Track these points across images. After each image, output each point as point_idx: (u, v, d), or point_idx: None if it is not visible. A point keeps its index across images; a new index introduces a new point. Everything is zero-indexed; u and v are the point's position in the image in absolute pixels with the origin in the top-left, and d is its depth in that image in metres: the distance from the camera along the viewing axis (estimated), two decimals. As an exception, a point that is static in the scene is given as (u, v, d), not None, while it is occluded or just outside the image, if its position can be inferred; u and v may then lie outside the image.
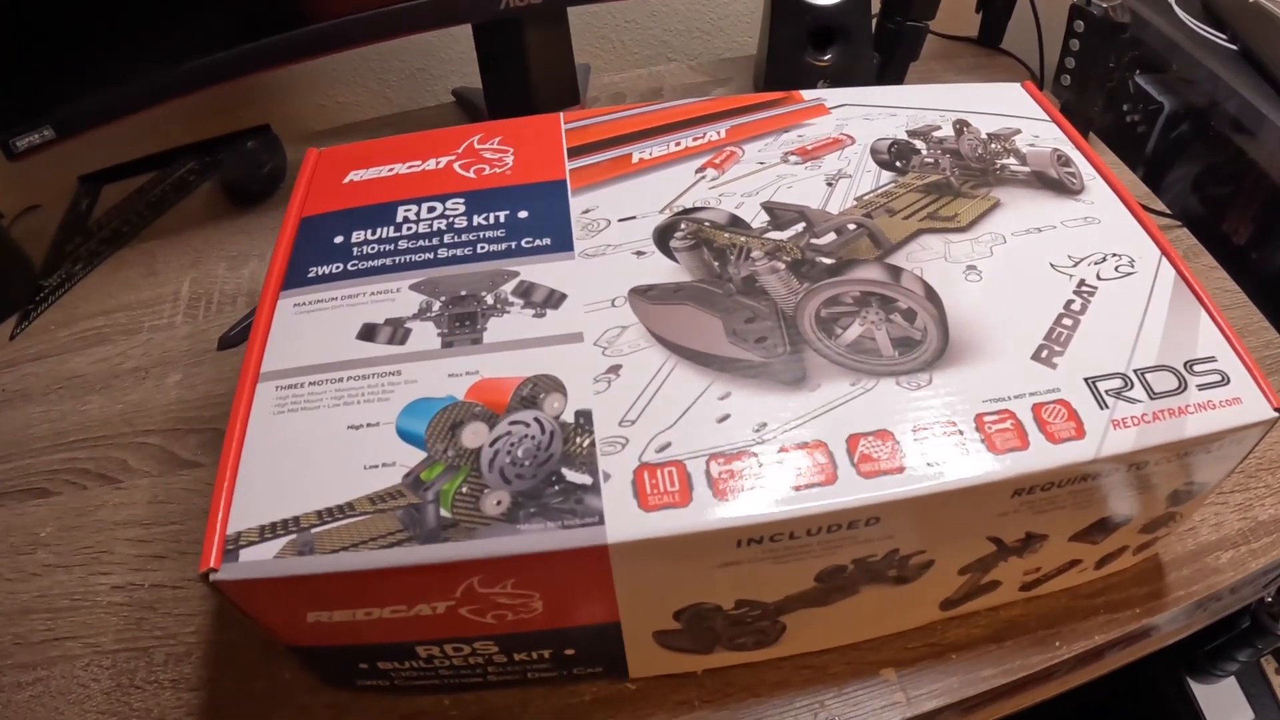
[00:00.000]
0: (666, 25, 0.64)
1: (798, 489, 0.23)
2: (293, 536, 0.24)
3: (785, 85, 0.40)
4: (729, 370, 0.26)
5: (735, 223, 0.31)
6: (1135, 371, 0.28)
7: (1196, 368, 0.29)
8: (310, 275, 0.31)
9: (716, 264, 0.29)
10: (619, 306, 0.28)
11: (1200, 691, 0.52)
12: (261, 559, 0.23)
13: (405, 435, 0.26)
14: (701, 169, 0.33)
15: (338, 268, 0.31)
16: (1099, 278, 0.31)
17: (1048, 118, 0.38)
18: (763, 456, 0.24)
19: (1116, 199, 0.35)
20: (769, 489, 0.23)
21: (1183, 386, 0.28)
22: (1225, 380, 0.28)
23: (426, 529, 0.23)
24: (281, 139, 0.53)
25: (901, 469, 0.24)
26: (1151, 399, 0.27)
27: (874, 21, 0.54)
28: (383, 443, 0.25)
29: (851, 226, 0.31)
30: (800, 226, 0.31)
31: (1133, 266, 0.32)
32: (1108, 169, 0.36)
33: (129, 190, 0.52)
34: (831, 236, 0.31)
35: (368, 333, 0.29)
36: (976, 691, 0.31)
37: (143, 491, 0.38)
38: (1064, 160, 0.36)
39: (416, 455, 0.25)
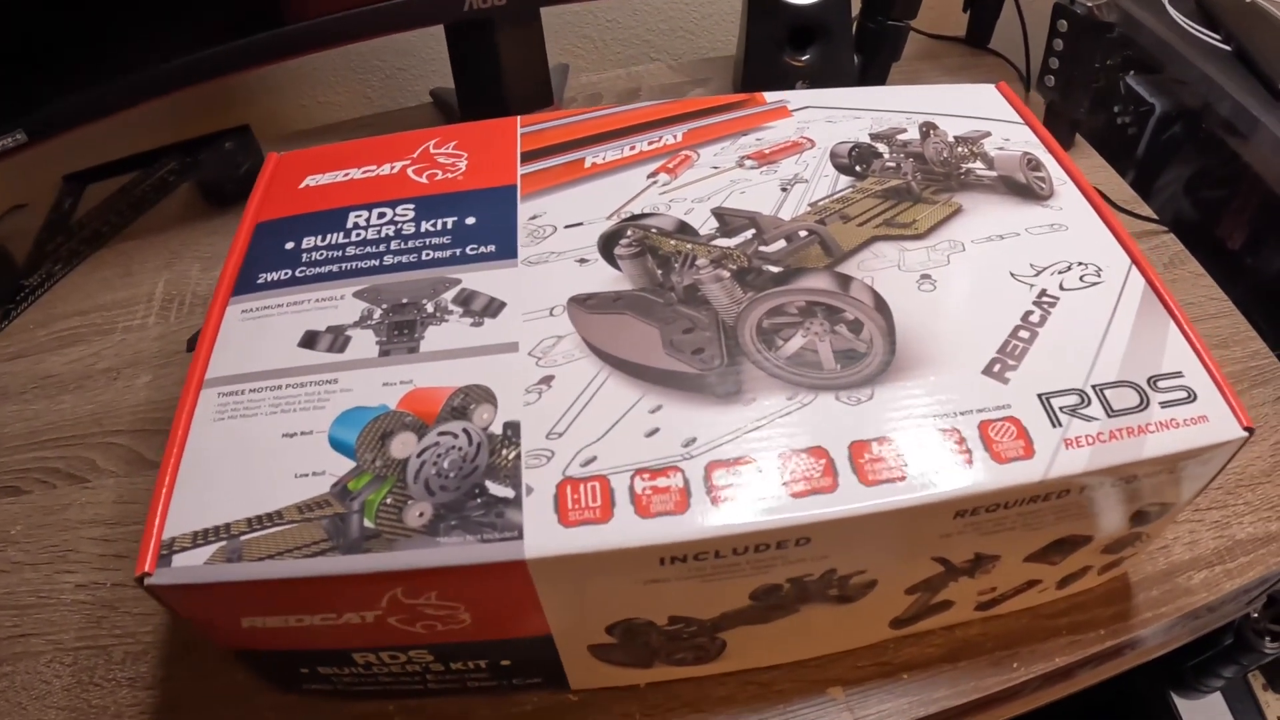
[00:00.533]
0: (649, 24, 0.63)
1: (720, 506, 0.23)
2: (223, 543, 0.24)
3: (763, 86, 0.40)
4: (663, 382, 0.26)
5: (683, 229, 0.31)
6: (1094, 387, 0.27)
7: (1161, 384, 0.28)
8: (260, 281, 0.31)
9: (660, 272, 0.29)
10: (557, 315, 0.28)
11: (1185, 707, 0.51)
12: (192, 565, 0.24)
13: (336, 444, 0.26)
14: (654, 174, 0.33)
15: (286, 274, 0.31)
16: (1062, 288, 0.30)
17: (1021, 120, 0.37)
18: (689, 472, 0.23)
19: (1088, 205, 0.34)
20: (694, 506, 0.23)
21: (1144, 404, 0.27)
22: (1191, 397, 0.27)
23: (349, 539, 0.23)
24: (263, 139, 0.53)
25: (834, 488, 0.23)
26: (1110, 417, 0.26)
27: (855, 21, 0.53)
28: (315, 451, 0.25)
29: (802, 233, 0.30)
30: (750, 233, 0.30)
31: (1099, 276, 0.31)
32: (1080, 173, 0.35)
33: (112, 189, 0.52)
34: (781, 244, 0.30)
35: (309, 340, 0.29)
36: (927, 713, 0.31)
37: (109, 491, 0.39)
38: (1034, 164, 0.35)
39: (347, 464, 0.25)
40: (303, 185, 0.35)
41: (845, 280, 0.29)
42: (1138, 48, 0.55)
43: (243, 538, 0.24)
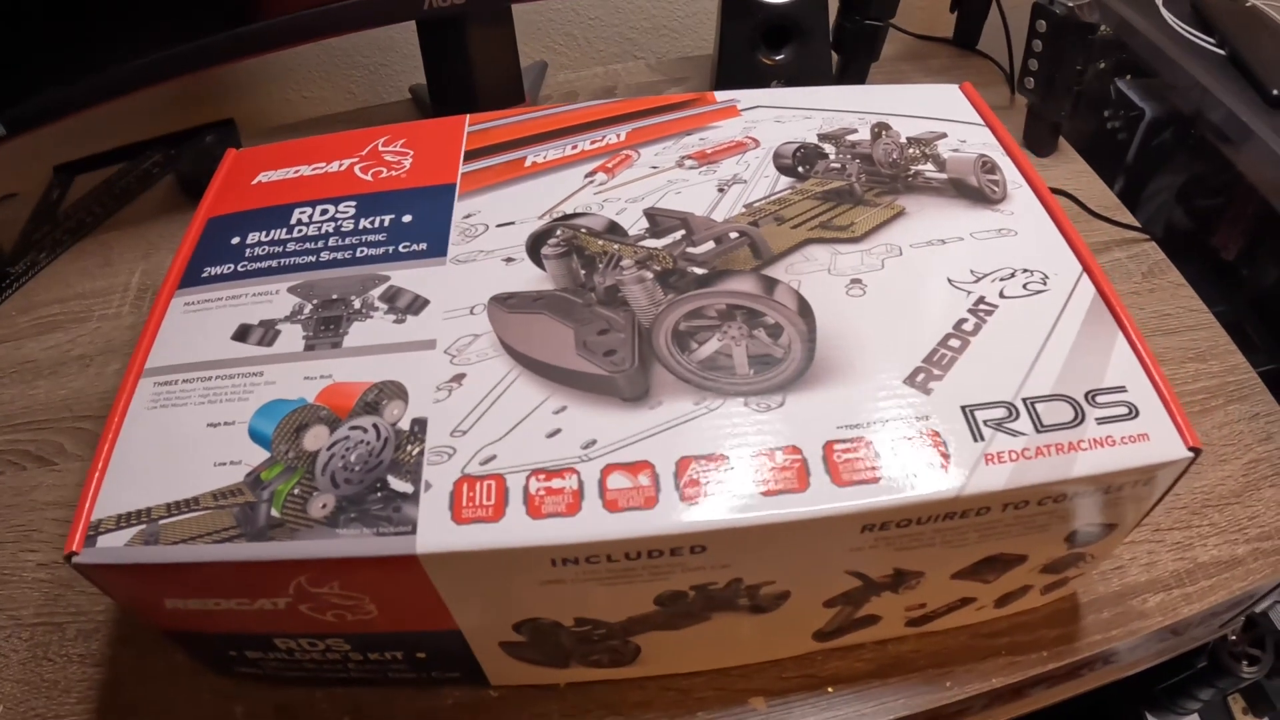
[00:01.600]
0: (631, 23, 0.64)
1: (614, 510, 0.23)
2: (142, 527, 0.25)
3: (738, 85, 0.40)
4: (571, 383, 0.26)
5: (613, 229, 0.31)
6: (1025, 401, 0.27)
7: (1100, 399, 0.27)
8: (204, 275, 0.32)
9: (583, 273, 0.29)
10: (477, 314, 0.28)
11: (1159, 732, 0.50)
12: (114, 546, 0.25)
13: (255, 435, 0.27)
14: (591, 173, 0.33)
15: (229, 268, 0.32)
16: (1002, 295, 0.30)
17: (982, 122, 0.37)
18: (584, 475, 0.24)
19: (1042, 209, 0.33)
20: (585, 509, 0.23)
21: (1079, 419, 0.26)
22: (1133, 414, 0.26)
23: (255, 527, 0.24)
24: (248, 133, 0.55)
25: (730, 496, 0.23)
26: (1039, 432, 0.26)
27: (835, 21, 0.52)
28: (236, 441, 0.26)
29: (733, 235, 0.30)
30: (679, 234, 0.30)
31: (1045, 284, 0.30)
32: (1038, 177, 0.34)
33: (99, 181, 0.54)
34: (710, 245, 0.30)
35: (241, 333, 0.30)
36: (851, 728, 0.31)
37: (74, 475, 0.40)
38: (988, 167, 0.34)
39: (263, 455, 0.26)
40: (255, 181, 0.36)
41: (770, 283, 0.29)
42: (1129, 51, 0.53)
43: (161, 522, 0.25)
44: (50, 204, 0.52)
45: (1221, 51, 0.49)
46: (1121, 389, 0.27)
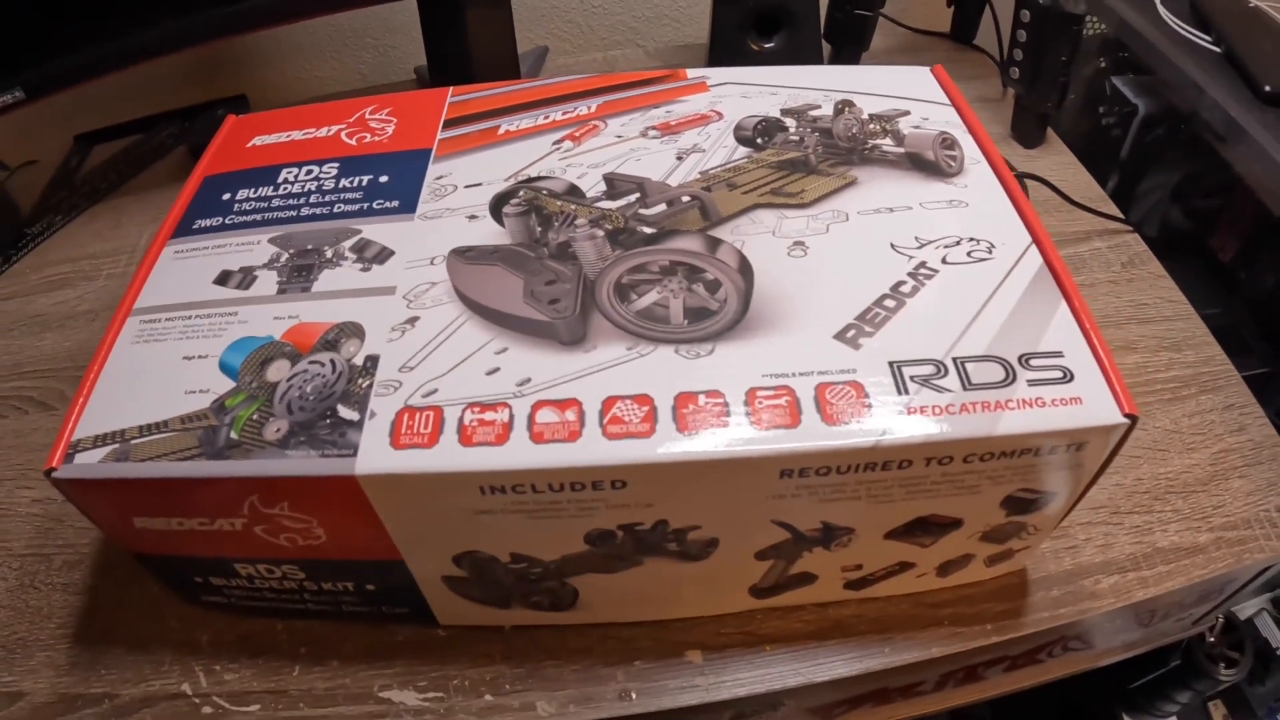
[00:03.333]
0: (633, 10, 0.66)
1: (539, 442, 0.25)
2: (116, 446, 0.28)
3: None
4: (515, 328, 0.28)
5: (572, 192, 0.33)
6: (954, 360, 0.28)
7: (1034, 362, 0.28)
8: (195, 227, 0.35)
9: (540, 230, 0.31)
10: (436, 265, 0.31)
11: (1135, 735, 0.49)
12: (88, 463, 0.27)
13: (225, 368, 0.29)
14: (559, 141, 0.35)
15: (218, 221, 0.35)
16: (944, 261, 0.31)
17: (949, 103, 0.38)
18: (515, 409, 0.26)
19: (997, 183, 0.34)
20: (512, 440, 0.25)
21: (1009, 379, 0.27)
22: (1067, 377, 0.27)
23: (215, 448, 0.27)
24: (258, 108, 0.59)
25: (650, 434, 0.25)
26: (965, 389, 0.27)
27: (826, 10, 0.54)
28: (206, 373, 0.29)
29: (685, 198, 0.32)
30: (634, 197, 0.32)
31: (990, 252, 0.31)
32: (997, 154, 0.35)
33: (116, 150, 0.58)
34: (662, 207, 0.32)
35: (222, 278, 0.32)
36: (784, 686, 0.32)
37: (72, 418, 0.44)
38: (947, 143, 0.35)
39: (230, 385, 0.28)
40: (250, 144, 0.39)
41: (714, 243, 0.31)
42: (1126, 49, 0.54)
43: (133, 442, 0.28)
44: (69, 170, 0.57)
45: (1217, 49, 0.49)
46: (1058, 354, 0.28)
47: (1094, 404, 0.27)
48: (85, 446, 0.28)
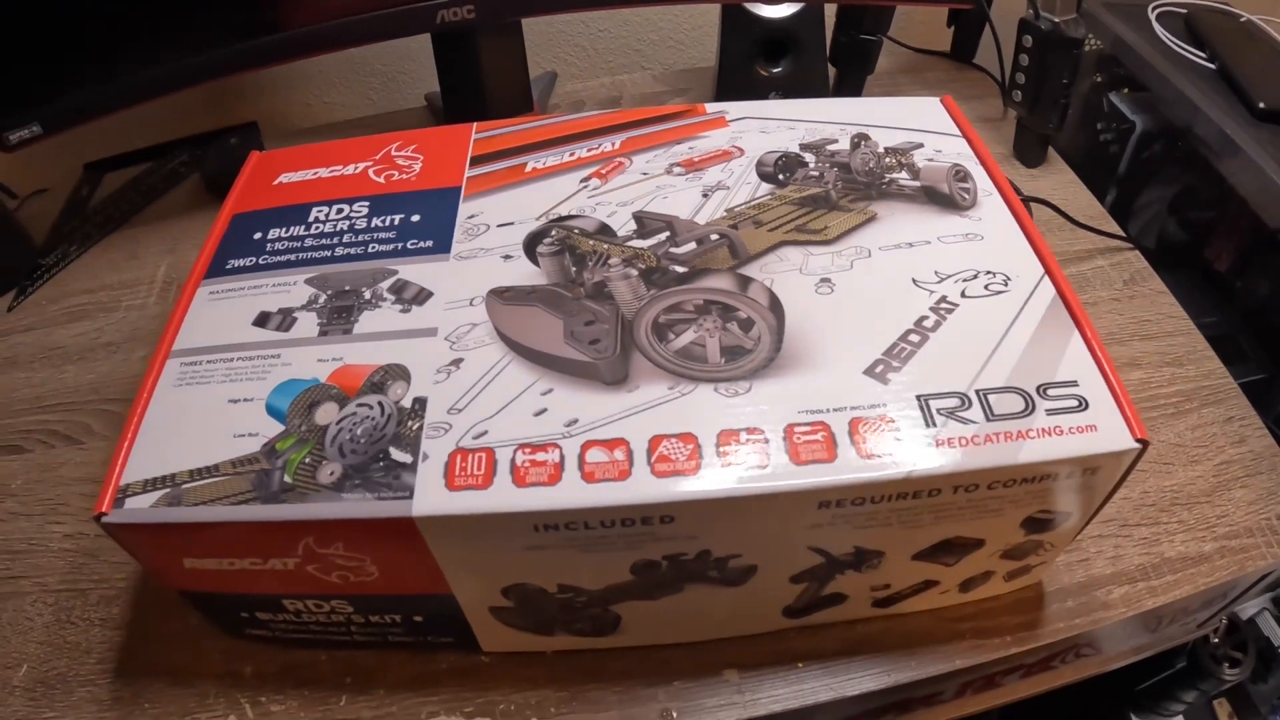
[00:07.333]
0: (639, 35, 0.68)
1: (591, 481, 0.26)
2: (167, 490, 0.29)
3: (737, 96, 0.43)
4: (558, 368, 0.29)
5: (603, 231, 0.34)
6: (978, 391, 0.29)
7: (1051, 391, 0.30)
8: (228, 267, 0.36)
9: (574, 269, 0.33)
10: (476, 305, 0.32)
11: (1143, 735, 0.51)
12: (140, 507, 0.28)
13: (272, 411, 0.30)
14: (586, 179, 0.37)
15: (251, 261, 0.36)
16: (964, 294, 0.32)
17: (960, 133, 0.40)
18: (565, 449, 0.27)
19: (1010, 216, 0.36)
20: (565, 479, 0.26)
21: (1029, 409, 0.29)
22: (1082, 406, 0.29)
23: (269, 491, 0.28)
24: (270, 135, 0.59)
25: (697, 471, 0.27)
26: (989, 420, 0.29)
27: (831, 35, 0.56)
28: (253, 416, 0.30)
29: (714, 237, 0.34)
30: (664, 235, 0.34)
31: (1006, 285, 0.33)
32: (1008, 186, 0.37)
33: (127, 178, 0.59)
34: (692, 246, 0.33)
35: (261, 320, 0.33)
36: (817, 701, 0.33)
37: (100, 453, 0.44)
38: (961, 175, 0.37)
39: (278, 428, 0.29)
40: (276, 182, 0.40)
41: (745, 281, 0.32)
42: (1122, 66, 0.56)
43: (184, 486, 0.29)
44: (80, 199, 0.57)
45: (1211, 66, 0.51)
46: (1073, 383, 0.30)
47: (1108, 431, 0.28)
48: (135, 491, 0.29)
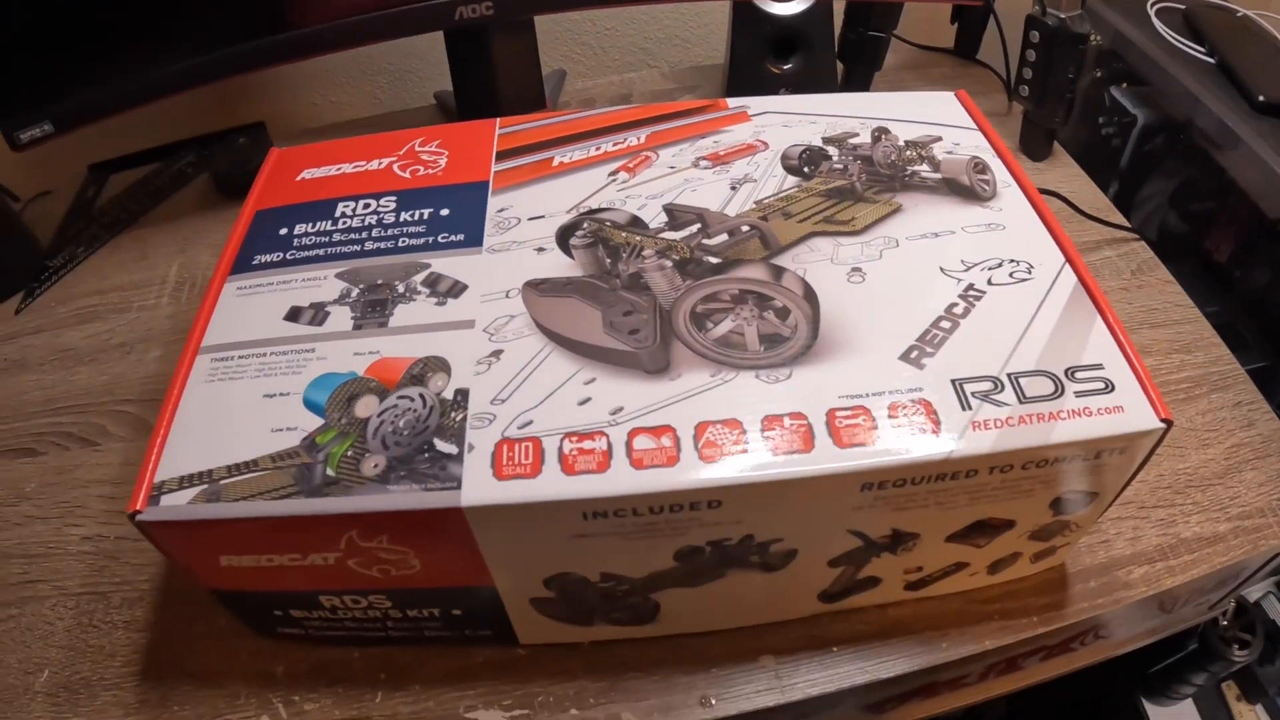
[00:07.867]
0: (646, 32, 0.68)
1: (640, 468, 0.26)
2: (205, 486, 0.28)
3: (747, 92, 0.43)
4: (599, 358, 0.30)
5: (635, 223, 0.34)
6: (1009, 375, 0.30)
7: (1079, 374, 0.30)
8: (255, 263, 0.36)
9: (608, 261, 0.33)
10: (512, 297, 0.32)
11: (1155, 713, 0.52)
12: (177, 504, 0.28)
13: (310, 404, 0.30)
14: (614, 172, 0.37)
15: (278, 256, 0.36)
16: (990, 282, 0.33)
17: (975, 127, 0.40)
18: (613, 437, 0.27)
19: (1029, 206, 0.37)
20: (614, 467, 0.27)
21: (1059, 392, 0.30)
22: (1109, 388, 0.30)
23: (312, 485, 0.28)
24: (277, 135, 0.59)
25: (743, 455, 0.27)
26: (1021, 403, 0.29)
27: (839, 32, 0.56)
28: (291, 410, 0.30)
29: (745, 228, 0.34)
30: (696, 228, 0.34)
31: (1030, 273, 0.34)
32: (1026, 177, 0.38)
33: (133, 179, 0.58)
34: (724, 237, 0.34)
35: (293, 314, 0.33)
36: (853, 684, 0.34)
37: (116, 454, 0.44)
38: (980, 167, 0.38)
39: (316, 422, 0.29)
40: (299, 178, 0.40)
41: (778, 271, 0.32)
42: (1123, 60, 0.57)
43: (222, 482, 0.28)
44: (86, 201, 0.56)
45: (1211, 60, 0.53)
46: (1099, 366, 0.30)
47: (1134, 411, 0.29)
48: (171, 488, 0.29)
